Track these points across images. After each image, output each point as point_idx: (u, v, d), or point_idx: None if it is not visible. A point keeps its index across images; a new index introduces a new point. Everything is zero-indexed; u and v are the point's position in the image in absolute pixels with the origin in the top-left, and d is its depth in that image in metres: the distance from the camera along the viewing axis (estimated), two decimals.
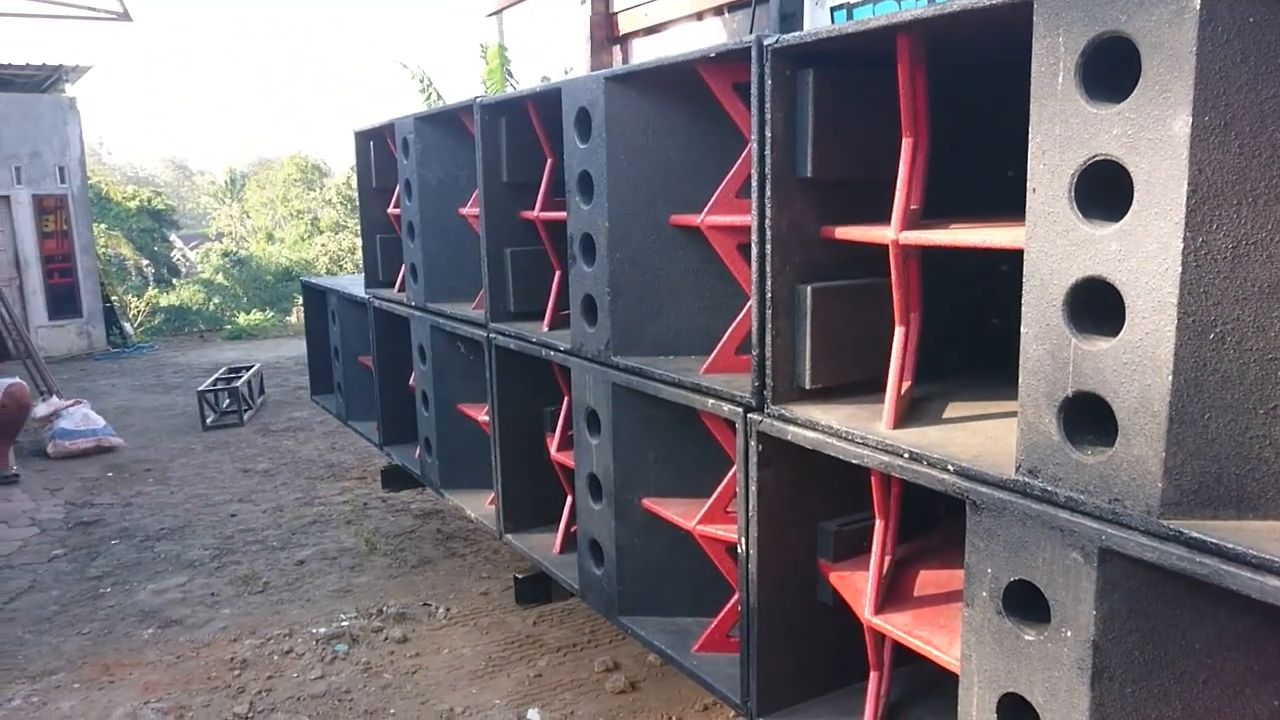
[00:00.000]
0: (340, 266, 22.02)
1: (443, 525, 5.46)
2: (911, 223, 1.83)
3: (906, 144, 1.82)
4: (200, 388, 8.31)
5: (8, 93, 11.65)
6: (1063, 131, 1.40)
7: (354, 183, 25.25)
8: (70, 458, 7.10)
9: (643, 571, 2.67)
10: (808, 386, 2.05)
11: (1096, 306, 1.41)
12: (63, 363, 11.53)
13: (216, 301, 18.29)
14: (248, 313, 15.87)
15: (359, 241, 23.49)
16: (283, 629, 4.22)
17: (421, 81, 15.01)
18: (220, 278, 20.81)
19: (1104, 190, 1.38)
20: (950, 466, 1.67)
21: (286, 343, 13.58)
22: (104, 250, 16.72)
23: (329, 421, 8.08)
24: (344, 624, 4.24)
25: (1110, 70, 1.35)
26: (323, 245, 23.53)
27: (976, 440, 1.78)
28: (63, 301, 12.21)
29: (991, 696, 1.61)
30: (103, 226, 17.91)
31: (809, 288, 2.00)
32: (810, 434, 1.96)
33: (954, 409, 2.02)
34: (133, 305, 14.95)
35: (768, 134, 1.93)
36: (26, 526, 5.71)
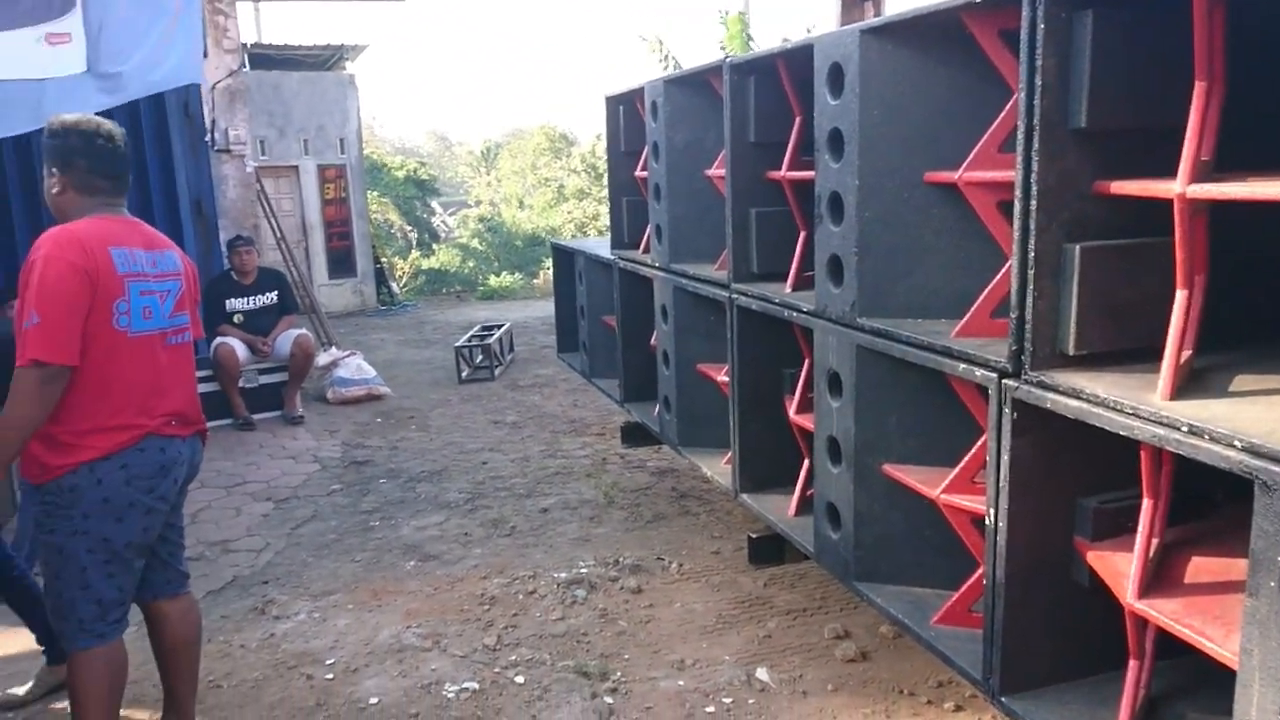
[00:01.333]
0: (583, 232, 22.83)
1: (677, 483, 5.58)
2: (1202, 175, 1.67)
3: (1199, 88, 1.65)
4: (457, 344, 8.90)
5: (299, 72, 12.85)
6: None
7: (598, 151, 26.07)
8: (345, 404, 7.82)
9: (881, 538, 2.62)
10: (1071, 352, 1.92)
11: None
12: (339, 318, 12.67)
13: (471, 265, 19.46)
14: (498, 275, 16.79)
15: (602, 208, 24.17)
16: (527, 571, 4.47)
17: (659, 52, 15.20)
18: (475, 242, 22.12)
19: None
20: (1237, 442, 1.52)
21: (534, 304, 14.27)
22: (375, 216, 18.16)
23: (572, 379, 8.44)
24: (583, 571, 4.43)
25: None
26: (568, 212, 24.49)
27: (1270, 415, 1.61)
28: (340, 262, 13.40)
29: (1277, 696, 1.47)
30: (374, 194, 19.43)
31: (1077, 247, 1.87)
32: (1072, 403, 1.84)
33: (1241, 382, 1.84)
34: (398, 267, 16.19)
35: (1038, 82, 1.81)
36: (310, 463, 6.36)
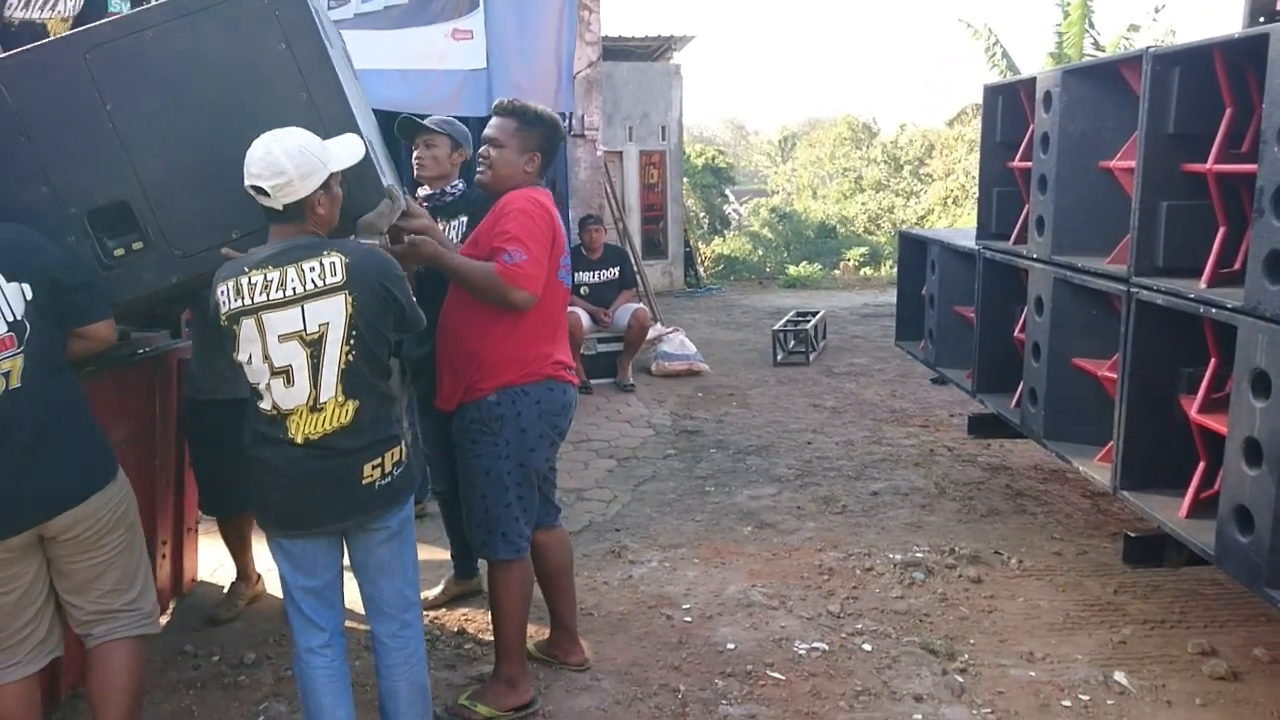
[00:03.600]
0: (878, 225, 22.44)
1: (1011, 480, 5.50)
2: None
3: None
4: (775, 328, 9.15)
5: (628, 62, 13.59)
6: None
7: (901, 141, 25.44)
8: (668, 376, 8.28)
9: None
10: None
11: None
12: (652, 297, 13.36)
13: (760, 253, 19.71)
14: (796, 264, 16.93)
15: (898, 200, 23.63)
16: (862, 549, 4.60)
17: (986, 39, 14.70)
18: (765, 231, 22.33)
19: None
20: None
21: (837, 294, 14.31)
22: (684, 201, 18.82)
23: (887, 369, 8.46)
24: (918, 555, 4.50)
25: None
26: (862, 204, 24.14)
27: None
28: (651, 244, 14.07)
29: None
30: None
31: None
32: None
33: None
34: (702, 252, 16.75)
35: None
36: (645, 428, 6.82)
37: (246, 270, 2.46)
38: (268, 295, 2.44)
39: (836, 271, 16.87)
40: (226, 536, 3.95)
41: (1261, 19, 3.92)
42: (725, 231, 22.12)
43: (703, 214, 22.47)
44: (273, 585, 4.15)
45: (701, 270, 15.13)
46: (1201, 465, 3.04)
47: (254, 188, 2.45)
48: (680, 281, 14.25)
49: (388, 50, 6.19)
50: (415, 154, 3.66)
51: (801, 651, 3.67)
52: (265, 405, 2.50)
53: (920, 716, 3.23)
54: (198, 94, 2.63)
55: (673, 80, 13.47)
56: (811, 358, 8.86)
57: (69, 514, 2.47)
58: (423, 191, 3.72)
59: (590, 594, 4.17)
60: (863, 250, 18.63)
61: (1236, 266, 2.89)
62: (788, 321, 9.37)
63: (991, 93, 4.40)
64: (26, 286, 2.42)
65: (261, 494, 2.60)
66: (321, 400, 2.50)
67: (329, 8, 6.14)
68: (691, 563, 4.52)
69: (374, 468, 2.58)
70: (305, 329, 2.46)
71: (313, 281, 2.46)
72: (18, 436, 2.38)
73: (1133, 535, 3.25)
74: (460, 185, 3.74)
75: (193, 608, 4.04)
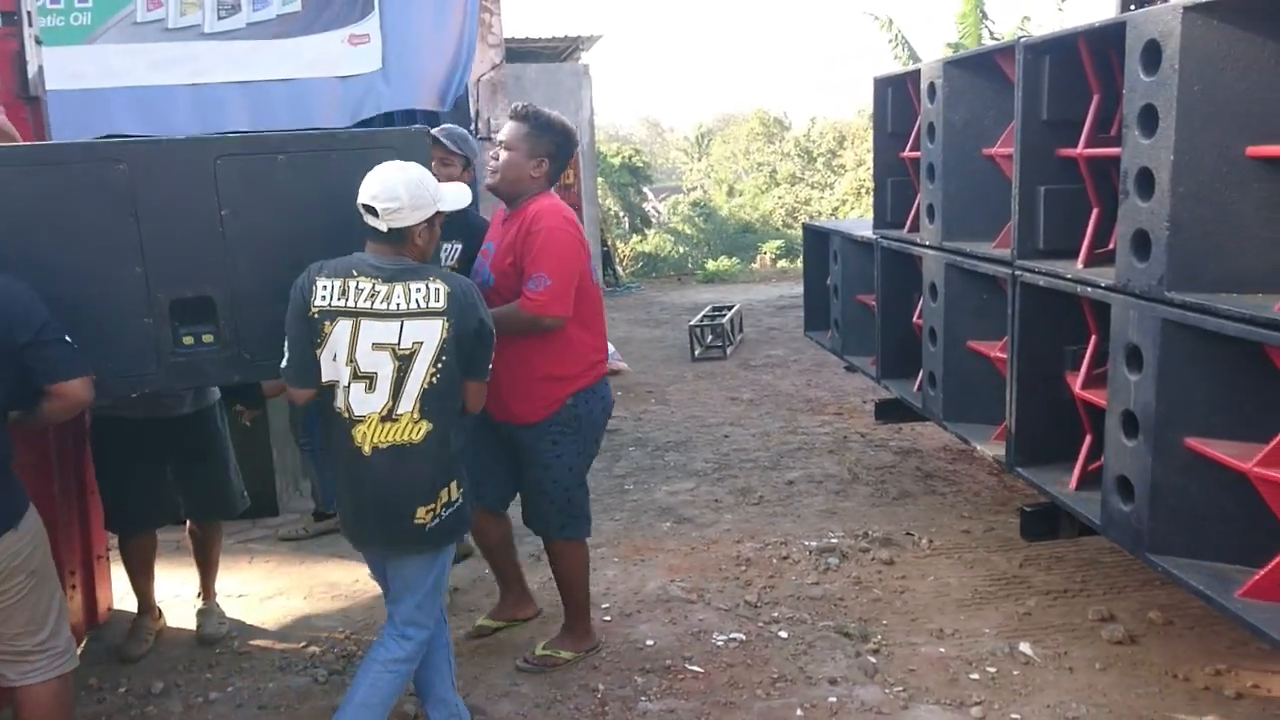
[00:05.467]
0: (794, 218, 22.77)
1: (922, 463, 5.63)
2: None
3: None
4: (690, 323, 9.22)
5: (536, 63, 13.54)
6: None
7: (813, 135, 25.81)
8: None
9: (1178, 511, 2.63)
10: None
11: None
12: None
13: (681, 250, 19.87)
14: (716, 259, 17.09)
15: (814, 193, 24.03)
16: (778, 538, 4.67)
17: (889, 30, 15.02)
18: (686, 227, 22.50)
19: None
20: None
21: (755, 287, 14.46)
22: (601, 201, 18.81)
23: (803, 360, 8.58)
24: (833, 541, 4.58)
25: None
26: (779, 197, 24.45)
27: None
28: None
29: None
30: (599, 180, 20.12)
31: None
32: None
33: None
34: (619, 251, 16.79)
35: None
36: None
37: (355, 274, 2.59)
38: (371, 304, 2.58)
39: (754, 265, 17.07)
40: (128, 562, 3.81)
41: (1133, 5, 4.08)
42: (647, 230, 22.23)
43: (622, 213, 22.55)
44: (174, 615, 4.05)
45: (620, 269, 15.16)
46: (1088, 439, 3.16)
47: (365, 206, 2.58)
48: (599, 280, 14.26)
49: (280, 60, 6.05)
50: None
51: (719, 643, 3.71)
52: (338, 404, 2.65)
53: (834, 699, 3.29)
54: (309, 220, 2.81)
55: (582, 80, 13.43)
56: (729, 351, 8.95)
57: None
58: None
59: None
60: (779, 243, 18.89)
61: (1111, 246, 3.00)
62: (704, 316, 9.44)
63: (881, 85, 4.49)
64: None
65: (339, 500, 2.88)
66: (398, 413, 2.62)
67: (220, 17, 6.01)
68: (611, 562, 4.53)
69: (427, 511, 2.70)
70: (400, 343, 2.59)
71: (417, 302, 2.59)
72: None
73: (1028, 510, 3.35)
74: None
75: (97, 639, 3.90)
